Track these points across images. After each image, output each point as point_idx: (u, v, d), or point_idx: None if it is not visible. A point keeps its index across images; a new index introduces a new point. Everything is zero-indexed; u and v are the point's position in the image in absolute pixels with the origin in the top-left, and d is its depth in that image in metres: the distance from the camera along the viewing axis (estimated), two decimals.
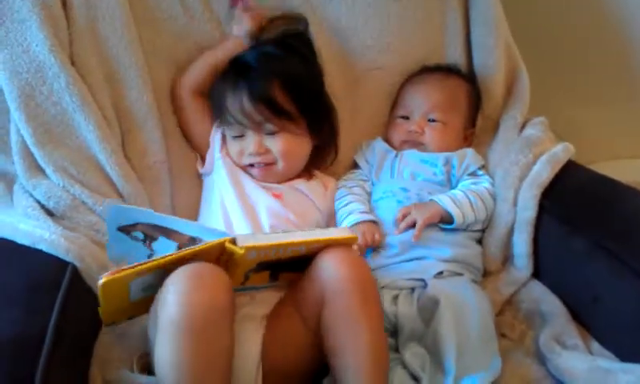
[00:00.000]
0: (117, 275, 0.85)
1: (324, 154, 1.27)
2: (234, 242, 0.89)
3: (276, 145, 1.16)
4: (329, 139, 1.26)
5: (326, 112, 1.25)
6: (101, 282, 0.84)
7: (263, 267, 0.95)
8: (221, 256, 0.91)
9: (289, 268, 0.98)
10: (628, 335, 1.00)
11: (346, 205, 1.21)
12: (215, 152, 1.21)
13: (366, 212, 1.19)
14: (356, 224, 1.16)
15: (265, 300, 1.02)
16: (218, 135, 1.22)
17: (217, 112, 1.20)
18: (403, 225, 1.13)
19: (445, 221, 1.14)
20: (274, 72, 1.16)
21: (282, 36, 1.22)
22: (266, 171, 1.18)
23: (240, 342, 0.94)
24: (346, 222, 1.17)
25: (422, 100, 1.27)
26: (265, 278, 0.99)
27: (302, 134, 1.19)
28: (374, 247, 1.15)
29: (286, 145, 1.16)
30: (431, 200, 1.16)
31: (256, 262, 0.93)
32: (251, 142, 1.16)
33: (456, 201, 1.15)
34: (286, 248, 0.93)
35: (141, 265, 0.86)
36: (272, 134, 1.16)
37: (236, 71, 1.18)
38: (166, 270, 0.87)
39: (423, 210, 1.13)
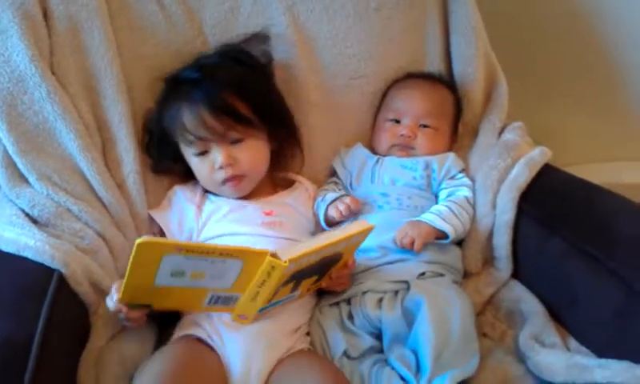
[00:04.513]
0: (156, 240, 0.87)
1: (284, 156, 1.28)
2: (274, 256, 0.90)
3: (242, 153, 1.15)
4: (286, 141, 1.26)
5: (284, 115, 1.25)
6: (137, 241, 0.83)
7: (292, 278, 0.96)
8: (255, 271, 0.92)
9: (307, 275, 1.00)
10: (604, 332, 1.02)
11: (322, 198, 1.23)
12: (194, 221, 1.17)
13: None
14: (334, 200, 1.19)
15: (285, 321, 1.05)
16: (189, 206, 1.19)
17: (172, 136, 1.17)
18: (400, 244, 1.12)
19: (439, 238, 1.15)
20: (226, 81, 1.15)
21: (221, 49, 1.23)
22: (238, 185, 1.17)
23: (251, 355, 0.99)
24: (325, 204, 1.20)
25: (414, 104, 1.28)
26: (288, 290, 1.00)
27: (263, 139, 1.19)
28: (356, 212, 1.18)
29: (252, 152, 1.16)
30: (421, 220, 1.15)
31: (292, 274, 0.94)
32: (218, 154, 1.13)
33: (444, 217, 1.15)
34: (318, 252, 0.94)
35: (181, 243, 0.88)
36: (237, 142, 1.15)
37: (186, 87, 1.15)
38: (202, 257, 0.88)
39: (419, 229, 1.13)
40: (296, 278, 0.97)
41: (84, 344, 1.00)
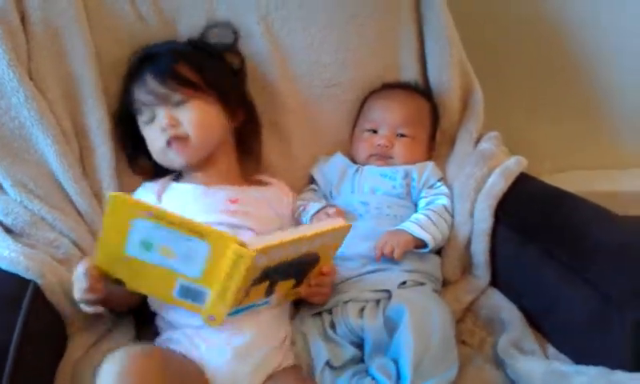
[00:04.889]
0: (129, 198, 0.87)
1: (249, 137, 1.26)
2: (242, 244, 0.86)
3: (186, 114, 1.13)
4: (248, 120, 1.25)
5: (240, 92, 1.25)
6: (111, 194, 0.84)
7: (264, 277, 0.92)
8: (221, 263, 0.87)
9: (282, 276, 0.96)
10: (581, 339, 1.04)
11: (304, 209, 1.22)
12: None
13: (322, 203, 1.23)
14: (318, 211, 1.19)
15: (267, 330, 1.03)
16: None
17: (130, 110, 1.18)
18: (380, 253, 1.12)
19: (418, 246, 1.16)
20: (178, 53, 1.18)
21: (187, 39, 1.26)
22: (182, 147, 1.13)
23: (237, 375, 0.97)
24: (308, 215, 1.20)
25: (390, 114, 1.29)
26: (261, 292, 0.96)
27: (212, 103, 1.16)
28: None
29: (196, 113, 1.13)
30: (400, 229, 1.16)
31: (262, 269, 0.90)
32: (162, 116, 1.13)
33: (423, 226, 1.16)
34: (290, 246, 0.90)
35: (152, 206, 0.87)
36: (180, 104, 1.13)
37: (141, 63, 1.19)
38: (170, 228, 0.86)
39: (398, 238, 1.13)
40: (270, 277, 0.94)
41: (61, 356, 0.98)
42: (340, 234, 0.97)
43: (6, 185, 1.07)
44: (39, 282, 0.96)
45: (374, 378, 1.00)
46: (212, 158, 1.19)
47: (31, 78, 1.12)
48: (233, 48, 1.28)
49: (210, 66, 1.19)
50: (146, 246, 0.88)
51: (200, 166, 1.18)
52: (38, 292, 0.96)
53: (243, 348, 1.00)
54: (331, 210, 1.18)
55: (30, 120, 1.09)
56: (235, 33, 1.28)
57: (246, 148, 1.27)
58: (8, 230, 1.05)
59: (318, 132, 1.36)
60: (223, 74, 1.23)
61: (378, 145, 1.28)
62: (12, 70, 1.07)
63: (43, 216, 1.07)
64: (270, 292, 0.98)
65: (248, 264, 0.86)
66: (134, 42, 1.22)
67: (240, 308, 0.96)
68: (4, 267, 0.96)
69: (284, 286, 1.00)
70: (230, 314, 0.94)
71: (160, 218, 0.86)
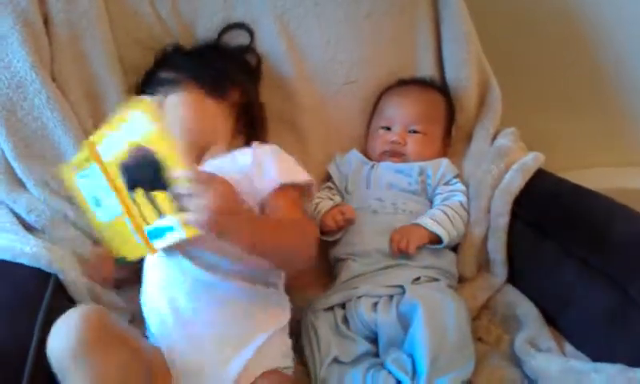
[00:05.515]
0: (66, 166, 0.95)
1: (250, 115, 1.22)
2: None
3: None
4: (245, 99, 1.20)
5: (232, 75, 1.20)
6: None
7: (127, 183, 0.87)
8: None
9: (141, 184, 0.87)
10: (598, 336, 1.03)
11: (315, 209, 1.23)
12: None
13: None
14: (329, 210, 1.20)
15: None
16: None
17: None
18: (397, 247, 1.13)
19: (433, 242, 1.16)
20: (159, 60, 1.21)
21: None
22: None
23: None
24: (319, 215, 1.21)
25: (403, 111, 1.29)
26: (149, 208, 0.86)
27: (192, 92, 1.12)
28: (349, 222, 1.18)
29: (168, 113, 1.09)
30: (415, 224, 1.16)
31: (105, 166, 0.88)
32: None
33: (438, 221, 1.16)
34: (111, 136, 0.87)
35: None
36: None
37: None
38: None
39: (413, 232, 1.14)
40: (135, 185, 0.87)
41: None
42: (147, 115, 0.82)
43: (29, 184, 1.09)
44: (61, 276, 0.97)
45: (390, 372, 1.01)
46: (205, 145, 1.11)
47: (54, 80, 1.14)
48: (249, 48, 1.29)
49: (192, 60, 1.19)
50: (96, 202, 0.93)
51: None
52: (58, 287, 0.97)
53: (218, 334, 0.96)
54: (344, 208, 1.19)
55: (53, 121, 1.11)
56: (251, 33, 1.29)
57: (247, 125, 1.22)
58: (30, 228, 1.07)
59: (334, 130, 1.36)
60: (211, 59, 1.21)
61: (392, 142, 1.28)
62: (35, 72, 1.09)
63: (66, 213, 1.09)
64: (155, 206, 0.86)
65: (92, 153, 0.89)
66: (154, 44, 1.24)
67: (151, 228, 0.88)
68: (26, 263, 0.97)
69: (164, 201, 0.84)
70: (151, 238, 0.89)
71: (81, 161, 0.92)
